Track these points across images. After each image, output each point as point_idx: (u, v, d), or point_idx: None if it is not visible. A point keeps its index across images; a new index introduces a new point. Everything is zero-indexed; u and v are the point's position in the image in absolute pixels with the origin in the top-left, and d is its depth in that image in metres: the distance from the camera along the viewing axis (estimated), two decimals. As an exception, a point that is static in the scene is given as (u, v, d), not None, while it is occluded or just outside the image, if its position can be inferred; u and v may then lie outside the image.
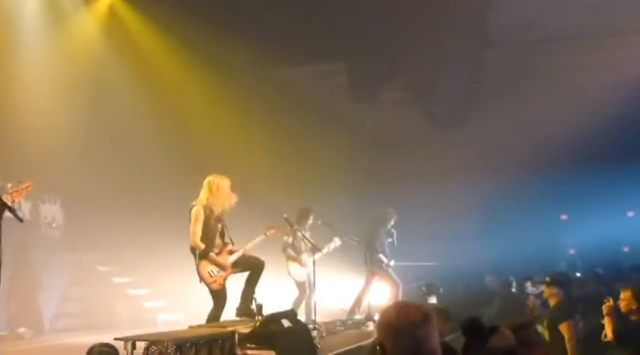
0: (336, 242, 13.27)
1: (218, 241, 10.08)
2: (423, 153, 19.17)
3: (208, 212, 9.94)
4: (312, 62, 17.70)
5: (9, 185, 6.80)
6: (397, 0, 15.49)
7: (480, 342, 4.51)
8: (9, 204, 6.33)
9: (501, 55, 17.41)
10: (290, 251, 13.12)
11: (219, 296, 9.96)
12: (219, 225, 10.11)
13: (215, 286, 9.90)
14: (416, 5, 15.47)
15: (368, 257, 14.17)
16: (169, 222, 14.87)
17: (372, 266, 13.99)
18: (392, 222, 14.47)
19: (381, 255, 14.10)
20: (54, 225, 14.55)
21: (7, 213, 6.42)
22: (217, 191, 10.04)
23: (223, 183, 10.10)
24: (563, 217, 21.32)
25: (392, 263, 14.16)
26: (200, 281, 9.84)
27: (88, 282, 14.50)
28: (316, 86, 18.26)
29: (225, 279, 9.96)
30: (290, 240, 13.00)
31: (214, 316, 9.85)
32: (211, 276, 9.88)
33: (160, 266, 14.74)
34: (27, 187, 6.85)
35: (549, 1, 16.11)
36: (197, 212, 9.90)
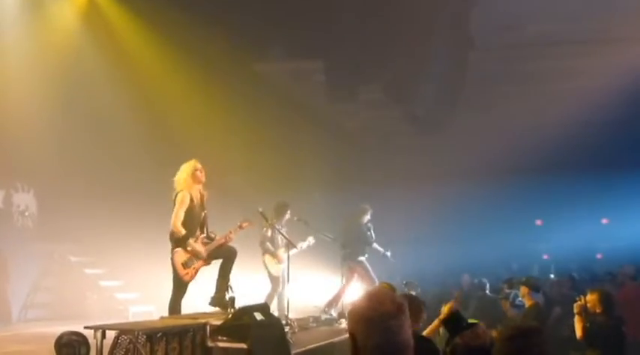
0: (311, 241, 13.27)
1: (197, 231, 10.02)
2: (399, 156, 19.19)
3: (191, 198, 9.87)
4: (291, 59, 17.65)
5: None
6: (379, 2, 15.45)
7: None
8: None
9: (481, 58, 17.44)
10: (268, 244, 13.11)
11: (182, 285, 9.90)
12: (203, 214, 10.06)
13: (187, 278, 9.83)
14: (397, 5, 15.46)
15: (346, 254, 14.22)
16: (143, 214, 14.84)
17: (350, 263, 14.02)
18: (368, 217, 14.57)
19: (358, 251, 14.19)
20: (27, 214, 14.42)
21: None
22: (198, 177, 9.99)
23: (201, 170, 10.05)
24: (538, 223, 21.39)
25: (365, 257, 14.28)
26: (172, 271, 9.76)
27: (59, 273, 14.40)
28: (295, 83, 18.23)
29: (197, 271, 9.90)
30: (269, 233, 12.95)
31: (175, 304, 9.78)
32: (184, 268, 9.81)
33: (133, 259, 14.68)
34: None
35: (532, 4, 16.15)
36: (183, 196, 9.80)
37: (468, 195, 19.20)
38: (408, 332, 3.18)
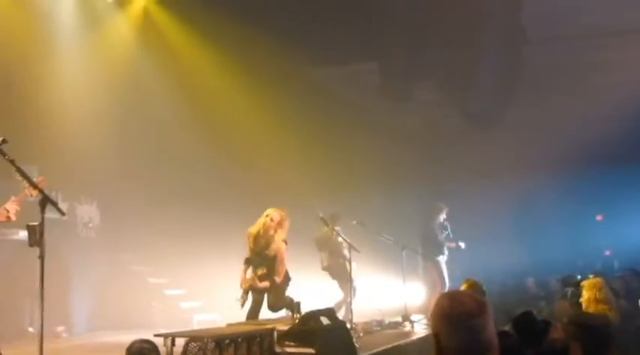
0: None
1: None
2: (456, 153, 19.07)
3: None
4: (346, 62, 17.66)
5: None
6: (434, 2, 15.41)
7: (535, 336, 4.45)
8: (51, 197, 6.35)
9: (536, 51, 17.26)
10: (341, 252, 13.18)
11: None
12: None
13: None
14: (448, 3, 15.39)
15: (422, 254, 14.32)
16: (203, 222, 14.97)
17: (426, 263, 14.10)
18: (443, 215, 14.62)
19: (434, 251, 14.24)
20: (90, 226, 14.61)
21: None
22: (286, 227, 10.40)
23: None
24: (599, 218, 21.05)
25: (445, 257, 14.32)
26: None
27: (123, 283, 14.53)
28: (350, 86, 18.22)
29: None
30: (339, 238, 12.95)
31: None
32: None
33: (196, 267, 14.79)
34: (41, 182, 6.85)
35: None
36: (284, 251, 10.24)
37: (526, 191, 19.02)
38: (491, 331, 3.16)
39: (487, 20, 16.14)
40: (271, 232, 10.24)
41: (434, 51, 16.54)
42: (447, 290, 14.01)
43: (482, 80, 17.22)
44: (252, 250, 10.30)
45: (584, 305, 8.29)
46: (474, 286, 8.22)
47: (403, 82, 17.21)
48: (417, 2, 15.32)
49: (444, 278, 14.51)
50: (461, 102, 18.07)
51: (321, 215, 11.94)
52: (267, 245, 10.23)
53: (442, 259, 14.77)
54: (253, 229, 10.36)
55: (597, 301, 8.22)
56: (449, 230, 14.81)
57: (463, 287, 8.24)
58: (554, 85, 17.94)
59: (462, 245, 14.96)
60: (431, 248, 14.71)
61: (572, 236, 18.99)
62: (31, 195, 6.63)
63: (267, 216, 10.32)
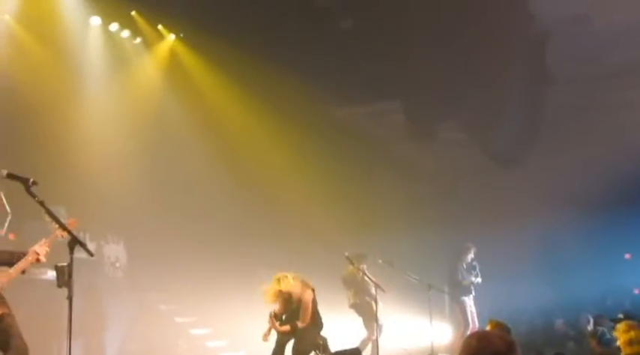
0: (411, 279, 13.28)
1: None
2: (481, 193, 19.01)
3: None
4: (369, 102, 17.73)
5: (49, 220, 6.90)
6: (455, 39, 15.44)
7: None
8: (79, 238, 6.40)
9: (561, 92, 17.26)
10: (366, 291, 13.14)
11: None
12: None
13: None
14: (474, 44, 15.44)
15: (449, 294, 14.27)
16: (230, 262, 15.00)
17: (453, 302, 14.06)
18: (471, 255, 14.57)
19: (459, 290, 14.17)
20: (117, 265, 14.66)
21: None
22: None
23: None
24: (627, 256, 20.84)
25: (471, 297, 14.25)
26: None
27: (150, 322, 14.53)
28: (375, 125, 18.27)
29: None
30: (365, 277, 12.92)
31: None
32: None
33: (221, 306, 14.77)
34: (72, 223, 6.92)
35: (609, 36, 15.96)
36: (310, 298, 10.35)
37: (553, 231, 18.89)
38: (520, 372, 3.15)
39: (512, 61, 16.17)
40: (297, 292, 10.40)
41: (458, 91, 16.56)
42: (469, 330, 13.94)
43: (507, 120, 17.22)
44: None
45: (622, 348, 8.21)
46: (499, 327, 8.17)
47: (427, 121, 17.22)
48: (442, 43, 15.37)
49: (467, 319, 14.42)
50: (485, 142, 18.07)
51: (346, 254, 11.94)
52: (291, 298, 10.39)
53: (467, 299, 14.69)
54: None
55: (632, 343, 8.13)
56: (477, 270, 14.77)
57: (487, 328, 8.18)
58: (579, 125, 17.90)
59: (479, 280, 14.88)
60: (455, 288, 14.66)
61: (600, 275, 18.79)
62: (62, 237, 6.70)
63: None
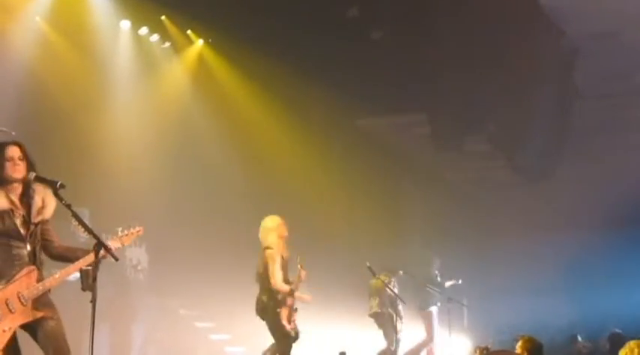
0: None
1: None
2: (506, 206, 18.96)
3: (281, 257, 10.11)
4: (395, 112, 17.71)
5: (119, 229, 6.96)
6: (483, 52, 15.42)
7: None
8: (106, 243, 6.44)
9: (589, 107, 17.19)
10: (387, 305, 13.13)
11: (290, 342, 10.07)
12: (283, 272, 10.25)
13: (293, 334, 10.01)
14: (502, 57, 15.41)
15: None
16: (251, 268, 15.01)
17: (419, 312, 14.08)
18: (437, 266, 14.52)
19: (427, 300, 14.13)
20: (139, 268, 14.73)
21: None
22: (283, 236, 10.27)
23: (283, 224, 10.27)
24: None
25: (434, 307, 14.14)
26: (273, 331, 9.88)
27: (170, 326, 14.59)
28: (399, 136, 18.28)
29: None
30: (387, 293, 12.93)
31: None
32: (290, 324, 9.97)
33: (240, 311, 14.76)
34: (137, 231, 7.00)
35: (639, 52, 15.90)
36: (273, 254, 9.94)
37: (576, 246, 18.78)
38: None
39: (540, 76, 16.12)
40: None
41: (485, 104, 16.53)
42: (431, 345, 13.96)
43: (534, 134, 17.16)
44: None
45: None
46: (530, 342, 8.08)
47: (453, 133, 17.19)
48: (470, 56, 15.35)
49: (432, 331, 14.31)
50: (511, 156, 18.01)
51: (368, 264, 11.93)
52: None
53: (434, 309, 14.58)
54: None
55: None
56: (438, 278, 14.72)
57: (518, 345, 8.10)
58: (606, 141, 17.83)
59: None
60: (426, 297, 14.56)
61: (622, 292, 18.66)
62: (122, 245, 6.77)
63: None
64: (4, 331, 6.20)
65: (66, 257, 6.75)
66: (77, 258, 6.58)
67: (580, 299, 18.59)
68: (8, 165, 6.44)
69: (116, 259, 6.44)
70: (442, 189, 18.54)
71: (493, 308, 16.22)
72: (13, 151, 6.49)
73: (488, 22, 14.92)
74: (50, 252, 6.74)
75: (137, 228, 7.01)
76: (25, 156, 6.54)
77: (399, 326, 12.83)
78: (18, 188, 6.51)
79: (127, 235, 6.85)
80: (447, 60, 15.54)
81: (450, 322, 13.35)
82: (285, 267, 10.27)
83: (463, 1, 14.77)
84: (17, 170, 6.46)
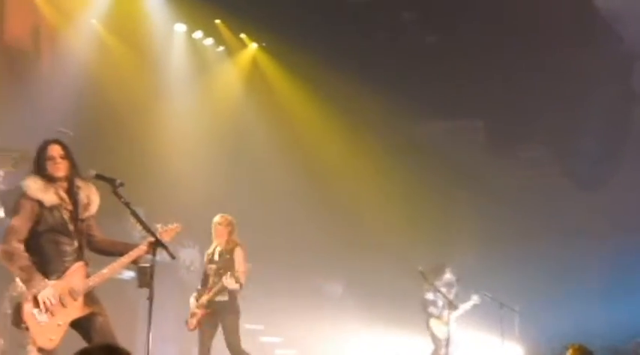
0: (476, 300, 13.02)
1: None
2: (560, 213, 18.71)
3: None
4: (449, 118, 17.63)
5: (157, 226, 7.01)
6: (539, 58, 15.29)
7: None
8: (163, 241, 6.50)
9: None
10: (432, 309, 12.99)
11: None
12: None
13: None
14: (558, 63, 15.27)
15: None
16: (308, 274, 15.02)
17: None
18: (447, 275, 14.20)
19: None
20: (192, 269, 14.80)
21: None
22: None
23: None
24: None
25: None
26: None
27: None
28: (453, 142, 18.15)
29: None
30: (430, 296, 12.83)
31: None
32: None
33: (291, 316, 14.77)
34: (175, 228, 7.04)
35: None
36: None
37: (626, 254, 18.48)
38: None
39: (597, 81, 15.93)
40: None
41: (541, 110, 16.37)
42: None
43: (589, 141, 16.95)
44: None
45: None
46: (580, 350, 7.96)
47: (508, 139, 17.05)
48: (526, 61, 15.23)
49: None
50: (565, 162, 17.80)
51: (420, 268, 11.85)
52: None
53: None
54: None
55: None
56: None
57: (568, 353, 7.98)
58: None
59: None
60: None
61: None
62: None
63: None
64: (58, 325, 6.32)
65: (109, 251, 6.86)
66: (120, 253, 6.66)
67: (626, 307, 18.26)
68: (49, 163, 6.54)
69: (173, 257, 6.50)
70: (494, 194, 18.34)
71: (543, 315, 15.98)
72: (54, 150, 6.60)
73: (545, 28, 14.80)
74: (94, 246, 6.84)
75: (175, 225, 7.04)
76: (67, 155, 6.64)
77: (446, 330, 12.70)
78: (63, 185, 6.61)
79: (165, 231, 6.88)
80: (501, 66, 15.43)
81: (502, 329, 13.18)
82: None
83: (518, 8, 14.66)
84: (58, 168, 6.57)
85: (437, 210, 17.81)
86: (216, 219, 10.33)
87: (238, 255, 10.07)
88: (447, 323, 12.69)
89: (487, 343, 14.57)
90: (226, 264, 10.04)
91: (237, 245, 10.20)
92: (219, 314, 10.00)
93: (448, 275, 13.06)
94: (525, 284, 16.03)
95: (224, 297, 9.96)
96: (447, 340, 12.56)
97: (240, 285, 9.91)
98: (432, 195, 17.71)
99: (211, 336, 10.12)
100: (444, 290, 12.72)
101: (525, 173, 19.06)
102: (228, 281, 9.74)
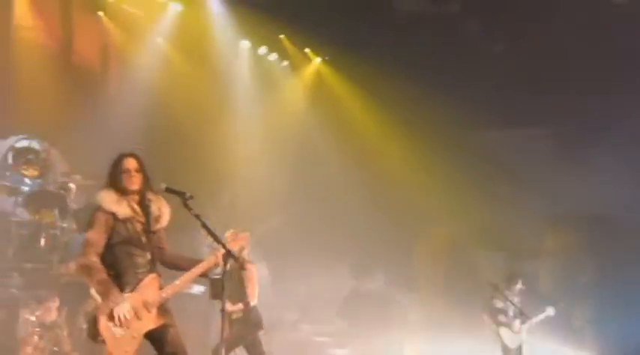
0: (550, 312, 12.81)
1: None
2: (627, 221, 18.37)
3: None
4: (516, 126, 17.42)
5: (226, 234, 7.06)
6: (608, 64, 15.08)
7: None
8: (233, 251, 6.53)
9: None
10: (502, 317, 12.78)
11: None
12: None
13: None
14: (628, 69, 15.03)
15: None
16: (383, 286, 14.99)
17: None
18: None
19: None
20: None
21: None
22: None
23: None
24: None
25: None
26: None
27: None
28: (520, 150, 17.93)
29: None
30: (500, 305, 12.65)
31: None
32: None
33: (372, 337, 14.62)
34: (244, 237, 7.07)
35: None
36: None
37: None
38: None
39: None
40: None
41: (610, 117, 16.10)
42: None
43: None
44: None
45: None
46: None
47: (577, 147, 16.77)
48: (594, 67, 15.03)
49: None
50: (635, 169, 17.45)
51: (491, 281, 11.74)
52: None
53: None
54: None
55: None
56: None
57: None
58: None
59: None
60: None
61: None
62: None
63: None
64: (133, 337, 6.37)
65: (177, 264, 6.88)
66: (186, 267, 6.70)
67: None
68: (125, 176, 6.61)
69: (243, 268, 6.54)
70: (561, 202, 18.06)
71: (617, 326, 15.67)
72: (130, 163, 6.67)
73: (612, 35, 14.61)
74: (162, 259, 6.87)
75: (244, 234, 7.07)
76: (141, 168, 6.71)
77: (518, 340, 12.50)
78: (135, 198, 6.67)
79: (234, 241, 6.91)
80: (568, 72, 15.25)
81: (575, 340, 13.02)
82: None
83: (584, 14, 14.49)
84: (133, 182, 6.63)
85: (503, 219, 17.61)
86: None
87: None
88: (519, 333, 12.49)
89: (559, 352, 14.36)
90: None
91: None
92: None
93: (519, 286, 12.83)
94: (598, 295, 15.73)
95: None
96: (519, 350, 12.37)
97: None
98: (502, 206, 17.52)
99: None
100: (515, 299, 12.54)
101: (594, 180, 18.75)
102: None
